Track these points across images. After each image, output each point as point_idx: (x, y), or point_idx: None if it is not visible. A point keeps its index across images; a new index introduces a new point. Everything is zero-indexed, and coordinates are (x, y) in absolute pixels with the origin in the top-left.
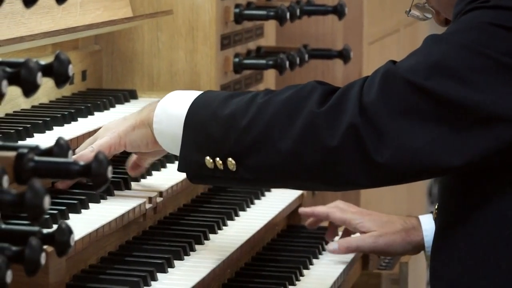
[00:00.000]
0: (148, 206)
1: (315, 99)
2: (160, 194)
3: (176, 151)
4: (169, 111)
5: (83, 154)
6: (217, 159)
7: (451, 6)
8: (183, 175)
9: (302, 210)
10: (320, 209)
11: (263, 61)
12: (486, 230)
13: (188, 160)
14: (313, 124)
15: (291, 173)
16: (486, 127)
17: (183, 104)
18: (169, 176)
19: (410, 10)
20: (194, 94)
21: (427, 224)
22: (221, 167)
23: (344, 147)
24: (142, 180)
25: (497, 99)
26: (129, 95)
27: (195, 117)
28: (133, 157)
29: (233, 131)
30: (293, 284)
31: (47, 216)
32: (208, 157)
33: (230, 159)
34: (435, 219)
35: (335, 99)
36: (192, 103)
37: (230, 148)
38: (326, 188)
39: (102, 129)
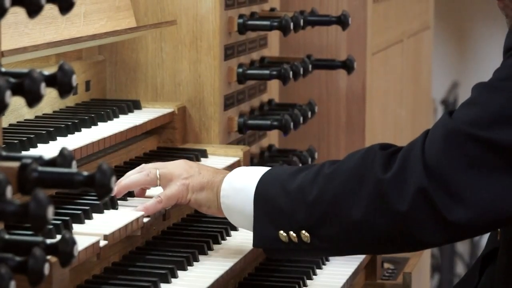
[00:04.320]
0: (151, 216)
1: (379, 165)
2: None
3: (243, 225)
4: (237, 184)
5: (151, 204)
6: (291, 232)
7: None
8: None
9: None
10: None
11: (266, 72)
12: None
13: (262, 235)
14: (380, 192)
15: (365, 240)
16: None
17: (251, 178)
18: None
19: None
20: (260, 169)
21: None
22: (296, 240)
23: (414, 211)
24: (147, 191)
25: None
26: (133, 106)
27: (265, 192)
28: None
29: (303, 204)
30: None
31: (51, 227)
32: (282, 231)
33: (303, 231)
34: (496, 238)
35: (398, 163)
36: (261, 178)
37: (302, 221)
38: (402, 251)
39: (171, 172)
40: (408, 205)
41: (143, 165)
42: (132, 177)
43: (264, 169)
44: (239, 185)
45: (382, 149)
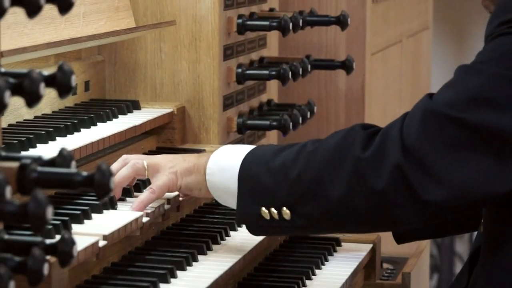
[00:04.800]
0: (150, 216)
1: (359, 144)
2: (163, 204)
3: (228, 203)
4: (222, 163)
5: (145, 197)
6: (272, 209)
7: None
8: None
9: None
10: None
11: (265, 72)
12: None
13: (245, 212)
14: (359, 170)
15: (344, 219)
16: None
17: (235, 157)
18: None
19: None
20: (245, 148)
21: None
22: (277, 216)
23: (391, 189)
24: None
25: None
26: (132, 106)
27: (248, 170)
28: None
29: (284, 181)
30: None
31: (50, 227)
32: (263, 208)
33: (284, 208)
34: (481, 234)
35: (378, 142)
36: (245, 156)
37: (283, 198)
38: (379, 231)
39: (157, 162)
40: (385, 183)
41: (125, 155)
42: (121, 173)
43: (249, 147)
44: (224, 164)
45: (364, 128)
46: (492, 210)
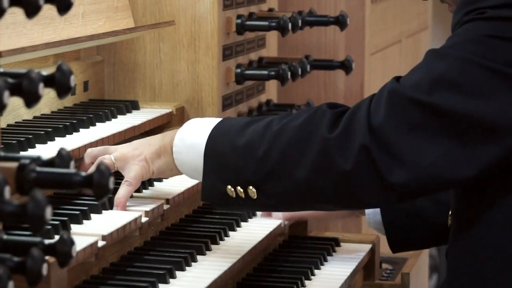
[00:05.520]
0: (149, 216)
1: (326, 124)
2: (163, 204)
3: (196, 178)
4: (188, 141)
5: (123, 191)
6: (238, 187)
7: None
8: (185, 185)
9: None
10: None
11: (265, 72)
12: (496, 228)
13: (210, 190)
14: (325, 150)
15: (309, 198)
16: (493, 137)
17: (201, 134)
18: (171, 187)
19: None
20: (211, 122)
21: None
22: (243, 195)
23: (357, 170)
24: (144, 191)
25: (501, 110)
26: (131, 106)
27: (214, 148)
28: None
29: (250, 160)
30: None
31: (49, 227)
32: (229, 186)
33: (250, 187)
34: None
35: (344, 123)
36: (210, 133)
37: (249, 177)
38: (344, 209)
39: (123, 152)
40: (351, 164)
41: (89, 149)
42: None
43: (214, 121)
44: (189, 141)
45: (331, 108)
46: (459, 195)
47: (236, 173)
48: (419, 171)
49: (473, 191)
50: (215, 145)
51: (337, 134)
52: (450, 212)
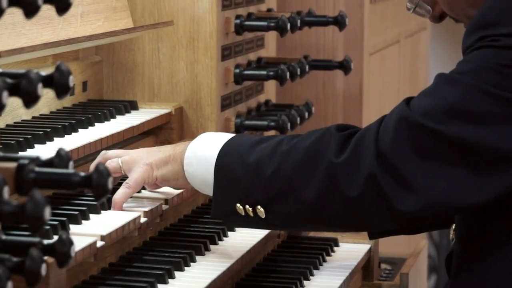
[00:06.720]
0: (148, 217)
1: (333, 148)
2: (161, 205)
3: (206, 192)
4: (199, 153)
5: (122, 192)
6: (247, 206)
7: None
8: None
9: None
10: None
11: (263, 72)
12: (504, 262)
13: (221, 206)
14: (332, 175)
15: (316, 221)
16: (504, 166)
17: (213, 148)
18: (170, 187)
19: (414, 8)
20: (224, 137)
21: None
22: (251, 214)
23: (364, 197)
24: (143, 191)
25: None
26: (130, 106)
27: (225, 164)
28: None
29: (259, 179)
30: None
31: (48, 227)
32: (238, 204)
33: (259, 207)
34: (452, 239)
35: (351, 148)
36: (222, 148)
37: (258, 197)
38: (352, 232)
39: (132, 156)
40: (357, 191)
41: (104, 151)
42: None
43: (227, 136)
44: (201, 154)
45: (339, 130)
46: (467, 221)
47: (245, 191)
48: (429, 198)
49: (484, 216)
50: (226, 160)
51: (344, 159)
52: (453, 227)
